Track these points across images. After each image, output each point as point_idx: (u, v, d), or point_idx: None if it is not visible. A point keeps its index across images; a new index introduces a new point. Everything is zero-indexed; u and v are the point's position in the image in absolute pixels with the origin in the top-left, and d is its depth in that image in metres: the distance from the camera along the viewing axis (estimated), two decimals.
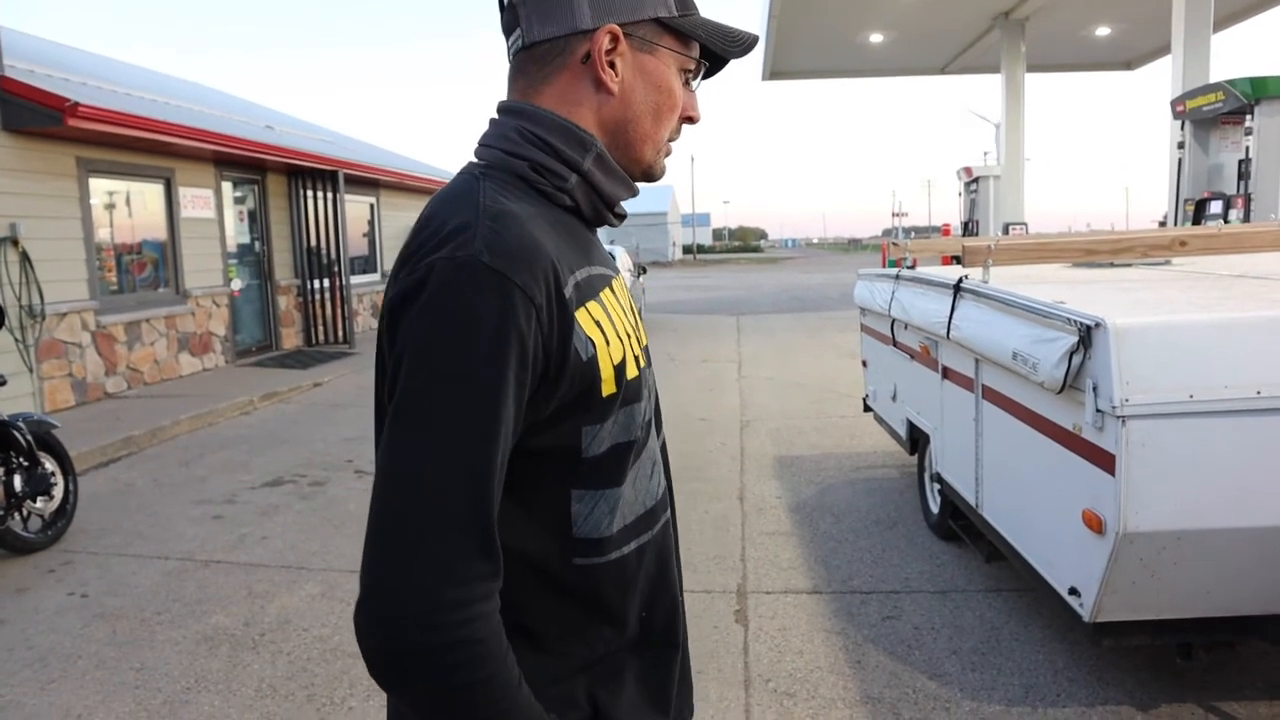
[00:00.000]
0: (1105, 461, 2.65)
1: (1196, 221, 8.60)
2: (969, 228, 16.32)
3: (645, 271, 18.32)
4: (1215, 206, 8.44)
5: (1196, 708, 3.22)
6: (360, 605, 0.88)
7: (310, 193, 13.72)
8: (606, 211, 1.13)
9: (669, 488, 1.23)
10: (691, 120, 1.17)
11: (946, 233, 18.04)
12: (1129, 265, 4.53)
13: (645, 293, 18.72)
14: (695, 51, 1.14)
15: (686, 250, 68.71)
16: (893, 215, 72.52)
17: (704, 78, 1.19)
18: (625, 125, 1.10)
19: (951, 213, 18.09)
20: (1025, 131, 15.31)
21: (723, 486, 6.14)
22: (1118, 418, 2.57)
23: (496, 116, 1.12)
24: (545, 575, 1.04)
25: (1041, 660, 3.58)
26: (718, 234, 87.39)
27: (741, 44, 1.16)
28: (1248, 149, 8.40)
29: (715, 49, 1.14)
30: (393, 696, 0.96)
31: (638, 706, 1.13)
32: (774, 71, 19.06)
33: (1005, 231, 13.02)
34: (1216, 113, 8.89)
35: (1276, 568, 2.74)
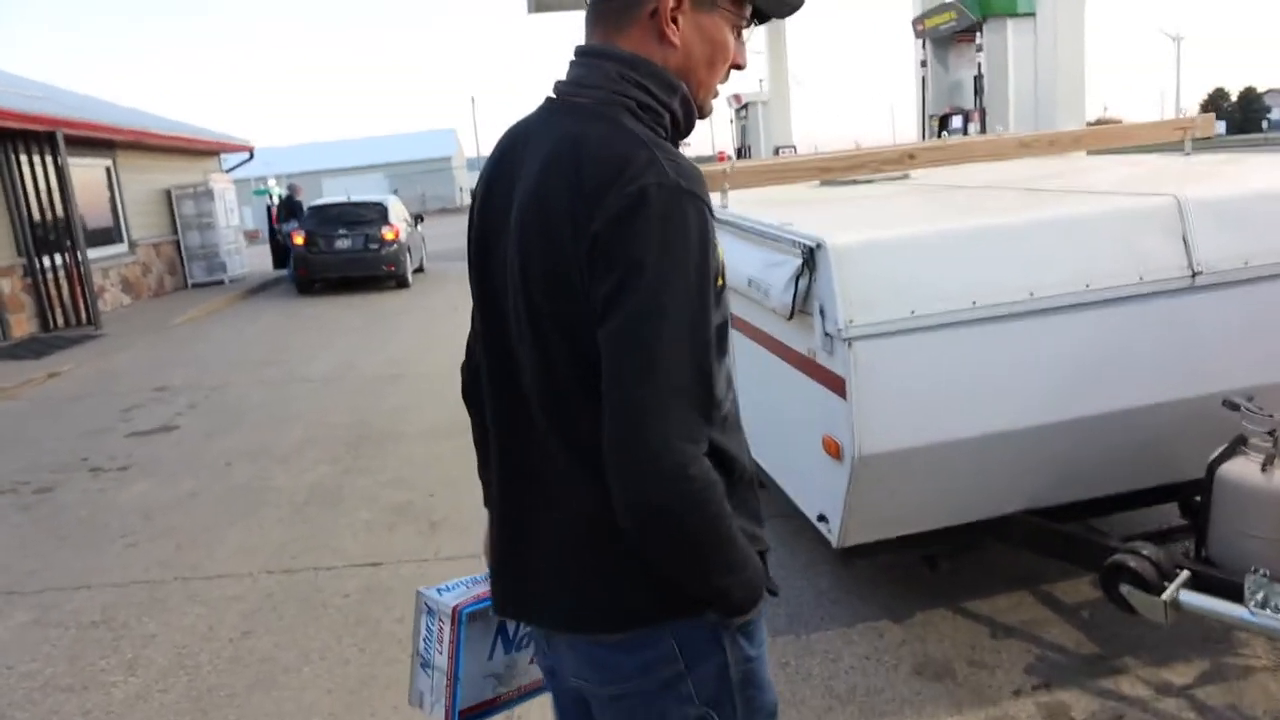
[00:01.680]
0: (837, 386, 2.59)
1: (940, 136, 9.00)
2: (742, 153, 16.61)
3: (422, 220, 17.58)
4: (956, 121, 8.87)
5: (947, 611, 3.32)
6: (623, 465, 1.13)
7: (24, 157, 12.10)
8: (680, 141, 1.32)
9: None
10: (739, 67, 1.34)
11: (722, 159, 18.34)
12: (870, 181, 4.57)
13: (426, 241, 18.00)
14: (747, 11, 1.30)
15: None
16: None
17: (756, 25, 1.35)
18: (684, 73, 1.28)
19: (729, 140, 18.34)
20: (789, 58, 15.64)
21: None
22: (844, 340, 2.49)
23: (586, 59, 1.28)
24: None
25: (805, 586, 3.59)
26: None
27: (789, 4, 1.36)
28: (980, 65, 8.84)
29: (765, 9, 1.32)
30: (649, 529, 1.16)
31: (752, 524, 1.33)
32: (539, 4, 18.50)
33: (776, 154, 13.29)
34: (952, 31, 9.29)
35: (1000, 472, 2.79)
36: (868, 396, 2.53)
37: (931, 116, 9.54)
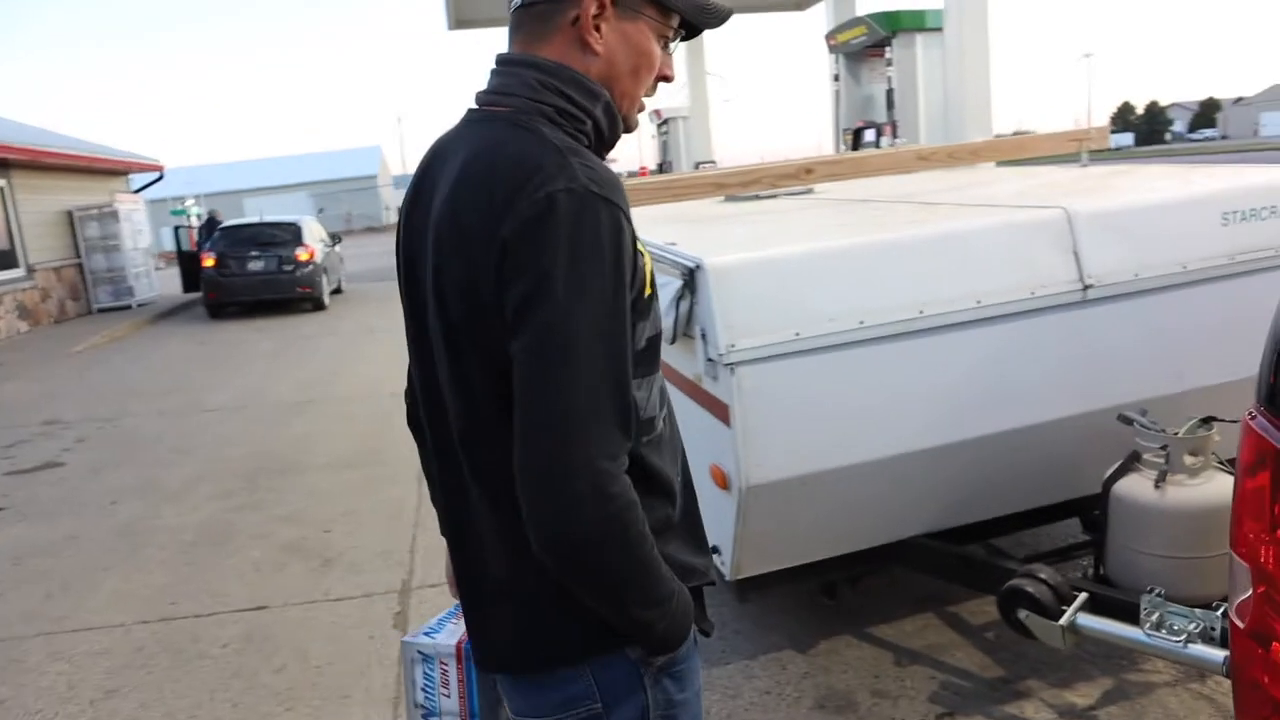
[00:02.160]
0: (721, 413, 2.45)
1: (855, 149, 9.03)
2: (663, 169, 16.56)
3: (339, 240, 17.14)
4: (869, 135, 8.90)
5: (851, 638, 3.21)
6: (538, 486, 1.08)
7: None
8: (605, 152, 1.27)
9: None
10: (666, 79, 1.29)
11: (643, 174, 18.29)
12: (774, 196, 4.48)
13: (344, 262, 17.56)
14: (674, 21, 1.26)
15: None
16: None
17: (682, 40, 1.31)
18: (608, 82, 1.23)
19: (650, 155, 18.32)
20: (712, 72, 15.65)
21: (402, 468, 5.66)
22: (726, 365, 2.36)
23: (506, 67, 1.24)
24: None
25: (711, 617, 3.44)
26: None
27: (716, 15, 1.30)
28: (890, 79, 8.89)
29: (692, 20, 1.28)
30: (565, 558, 1.10)
31: (690, 553, 1.32)
32: (458, 20, 18.26)
33: (697, 169, 13.26)
34: (862, 45, 9.34)
35: (896, 497, 2.69)
36: (753, 424, 2.40)
37: (845, 130, 9.56)
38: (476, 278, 1.11)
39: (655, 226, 3.33)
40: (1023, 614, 2.45)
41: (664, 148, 16.93)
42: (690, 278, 2.45)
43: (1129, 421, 2.55)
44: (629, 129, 1.31)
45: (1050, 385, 2.65)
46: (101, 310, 16.22)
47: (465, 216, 1.13)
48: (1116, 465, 2.53)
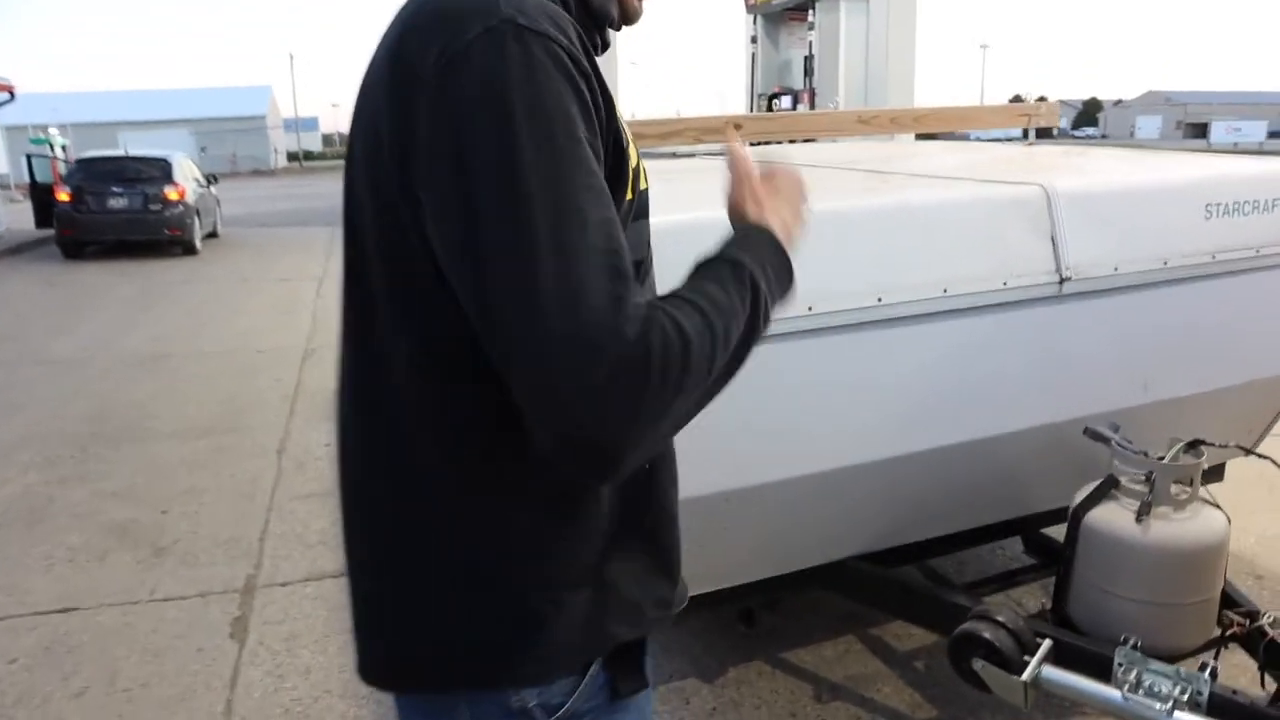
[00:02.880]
0: None
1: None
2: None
3: (215, 181, 15.88)
4: (785, 101, 8.49)
5: (765, 666, 2.81)
6: (541, 365, 0.76)
7: None
8: (597, 37, 1.01)
9: None
10: None
11: None
12: (693, 155, 4.01)
13: (221, 204, 16.34)
14: None
15: (292, 157, 62.95)
16: None
17: None
18: None
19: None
20: (617, 38, 15.05)
21: (263, 437, 5.01)
22: None
23: None
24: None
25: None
26: (328, 139, 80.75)
27: None
28: (811, 44, 8.50)
29: None
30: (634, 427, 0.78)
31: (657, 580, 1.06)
32: None
33: None
34: (783, 7, 8.91)
35: (832, 515, 2.29)
36: None
37: (760, 95, 9.13)
38: (393, 195, 0.87)
39: None
40: (979, 664, 2.07)
41: None
42: None
43: (1101, 439, 2.19)
44: (629, 20, 1.06)
45: (1016, 392, 2.28)
46: None
47: (372, 110, 0.89)
48: (1089, 490, 2.17)
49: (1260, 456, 2.20)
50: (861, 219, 2.08)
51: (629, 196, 0.95)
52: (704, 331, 0.82)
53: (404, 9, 0.91)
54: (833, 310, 1.98)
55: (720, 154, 3.90)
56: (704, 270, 0.92)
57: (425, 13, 0.87)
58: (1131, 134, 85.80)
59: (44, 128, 22.25)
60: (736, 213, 1.06)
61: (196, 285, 10.94)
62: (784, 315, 1.95)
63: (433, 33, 0.84)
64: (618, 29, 1.09)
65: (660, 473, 1.06)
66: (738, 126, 3.09)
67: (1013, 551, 3.07)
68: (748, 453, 2.03)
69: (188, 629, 3.17)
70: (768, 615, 2.74)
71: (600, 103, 0.88)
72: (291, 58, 79.55)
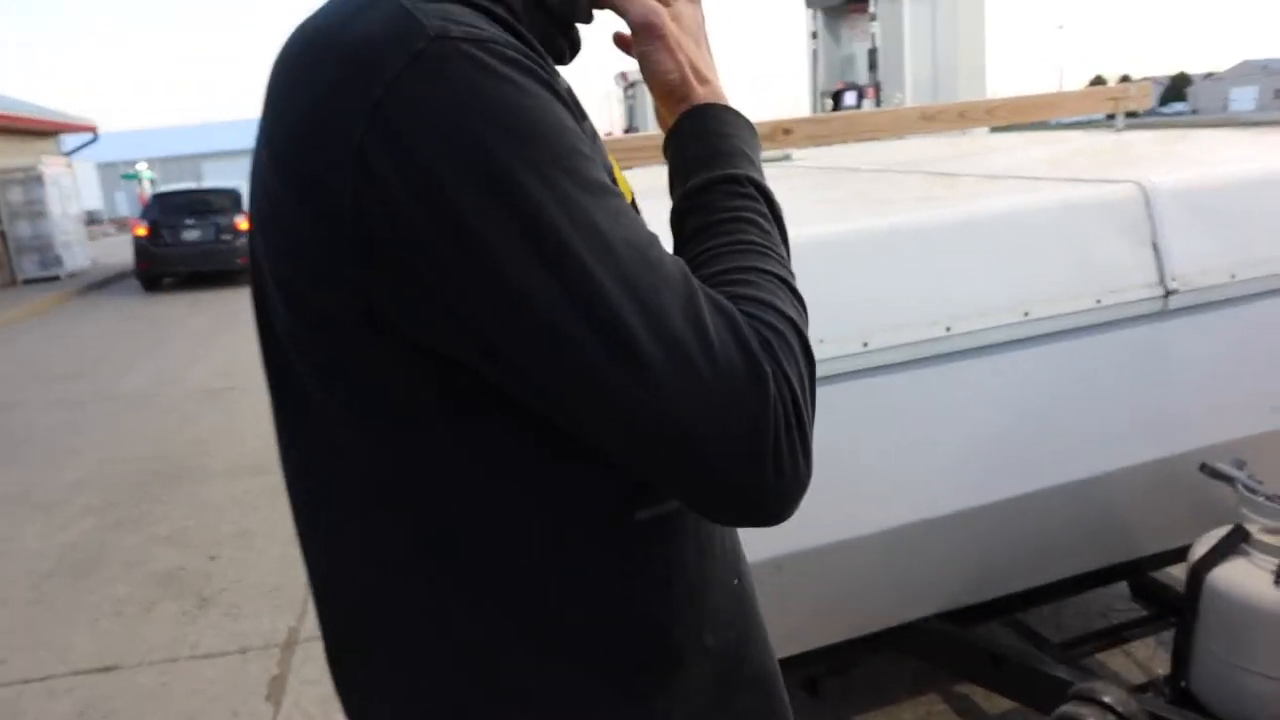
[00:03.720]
0: None
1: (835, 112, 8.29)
2: (630, 133, 15.80)
3: None
4: (850, 98, 8.15)
5: None
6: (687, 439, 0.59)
7: None
8: (560, 47, 0.79)
9: None
10: None
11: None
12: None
13: None
14: None
15: None
16: None
17: None
18: None
19: (616, 120, 17.57)
20: None
21: None
22: None
23: None
24: (596, 536, 0.71)
25: None
26: None
27: None
28: (874, 37, 8.14)
29: None
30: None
31: None
32: None
33: None
34: (843, 1, 8.57)
35: (909, 572, 1.99)
36: None
37: (824, 93, 8.81)
38: (308, 278, 0.64)
39: None
40: None
41: (630, 112, 16.13)
42: None
43: (1224, 478, 1.86)
44: (580, 14, 0.80)
45: (1116, 425, 1.95)
46: (28, 281, 15.15)
47: (269, 162, 0.65)
48: (1213, 543, 1.83)
49: None
50: (923, 233, 1.78)
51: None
52: (786, 295, 0.69)
53: (284, 51, 0.67)
54: (893, 345, 1.70)
55: (774, 160, 3.63)
56: (719, 207, 0.73)
57: (315, 54, 0.63)
58: (1225, 107, 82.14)
59: (133, 164, 23.03)
60: (664, 84, 0.79)
61: None
62: (838, 353, 1.69)
63: (338, 84, 0.60)
64: (588, 21, 0.84)
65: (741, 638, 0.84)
66: (787, 132, 2.81)
67: (1117, 594, 2.71)
68: (809, 512, 1.75)
69: (226, 688, 3.02)
70: (834, 680, 2.44)
71: (579, 114, 0.69)
72: None
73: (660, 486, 0.68)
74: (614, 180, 0.68)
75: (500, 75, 0.59)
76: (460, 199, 0.57)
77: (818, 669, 2.30)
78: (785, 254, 0.73)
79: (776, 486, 0.63)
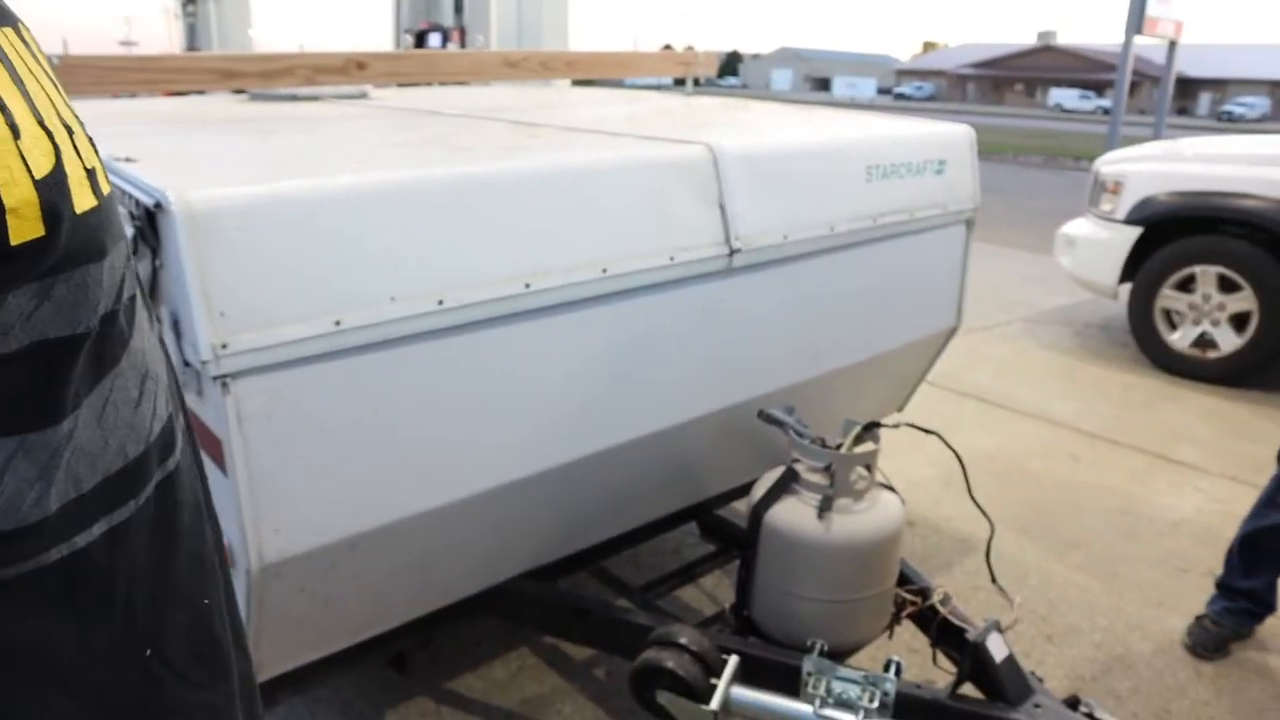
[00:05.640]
0: (216, 452, 1.47)
1: None
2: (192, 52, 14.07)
3: None
4: (434, 39, 7.91)
5: (428, 701, 2.41)
6: None
7: None
8: None
9: (183, 412, 0.69)
10: None
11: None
12: (315, 99, 3.40)
13: None
14: None
15: None
16: (120, 44, 61.75)
17: None
18: None
19: (176, 39, 15.62)
20: None
21: None
22: (216, 378, 1.38)
23: None
24: None
25: None
26: None
27: None
28: None
29: None
30: None
31: None
32: None
33: None
34: None
35: (490, 538, 1.92)
36: (264, 468, 1.46)
37: (407, 31, 8.48)
38: None
39: (115, 128, 2.17)
40: (663, 696, 1.82)
41: (191, 31, 14.36)
42: (149, 223, 1.41)
43: (777, 423, 2.01)
44: None
45: (687, 378, 2.03)
46: None
47: None
48: (769, 484, 1.97)
49: (926, 431, 2.12)
50: (503, 184, 1.68)
51: (35, 234, 0.50)
52: None
53: None
54: (471, 302, 1.59)
55: (349, 97, 3.36)
56: None
57: None
58: (768, 85, 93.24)
59: None
60: None
61: None
62: (412, 312, 1.54)
63: None
64: None
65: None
66: (361, 66, 2.57)
67: (687, 532, 2.90)
68: (375, 487, 1.60)
69: None
70: (422, 653, 2.34)
71: None
72: None
73: None
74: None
75: None
76: None
77: (403, 644, 2.17)
78: None
79: None
